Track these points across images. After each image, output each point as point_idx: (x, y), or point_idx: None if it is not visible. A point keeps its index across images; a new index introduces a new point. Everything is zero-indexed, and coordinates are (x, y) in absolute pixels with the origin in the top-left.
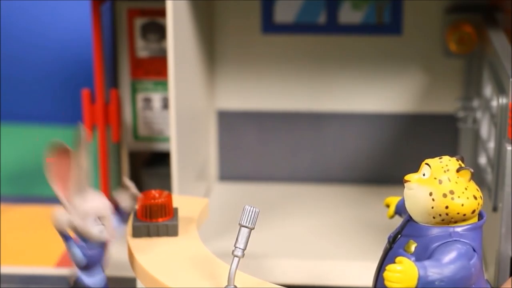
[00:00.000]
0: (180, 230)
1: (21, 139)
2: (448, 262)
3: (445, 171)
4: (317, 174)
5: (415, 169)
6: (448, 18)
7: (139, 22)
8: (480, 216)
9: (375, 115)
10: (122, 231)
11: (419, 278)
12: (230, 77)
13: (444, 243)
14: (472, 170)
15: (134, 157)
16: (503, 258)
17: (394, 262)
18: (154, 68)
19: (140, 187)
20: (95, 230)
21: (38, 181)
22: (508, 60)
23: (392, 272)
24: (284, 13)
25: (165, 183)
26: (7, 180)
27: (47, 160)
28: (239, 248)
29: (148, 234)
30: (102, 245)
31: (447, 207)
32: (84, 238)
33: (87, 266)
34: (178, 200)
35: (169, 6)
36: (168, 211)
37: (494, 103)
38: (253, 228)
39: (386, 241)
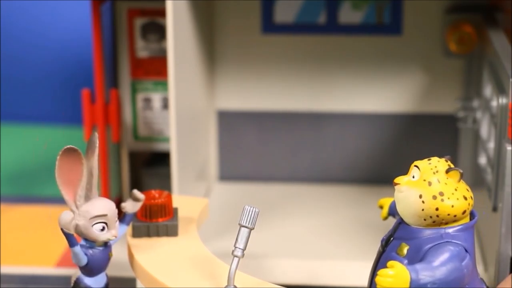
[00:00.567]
0: (180, 230)
1: (21, 139)
2: (439, 265)
3: (434, 173)
4: (317, 174)
5: None
6: (448, 18)
7: (139, 22)
8: (472, 215)
9: (375, 115)
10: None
11: (411, 282)
12: (230, 77)
13: (436, 244)
14: (461, 171)
15: (134, 157)
16: (503, 258)
17: (386, 266)
18: (154, 68)
19: (140, 187)
20: (100, 234)
21: (38, 181)
22: (508, 60)
23: (383, 277)
24: (284, 13)
25: (165, 183)
26: (7, 180)
27: (57, 163)
28: (239, 248)
29: (148, 234)
30: (106, 248)
31: (437, 209)
32: (88, 240)
33: (90, 268)
34: (178, 200)
35: (169, 6)
36: (168, 211)
37: (494, 103)
38: (253, 228)
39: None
